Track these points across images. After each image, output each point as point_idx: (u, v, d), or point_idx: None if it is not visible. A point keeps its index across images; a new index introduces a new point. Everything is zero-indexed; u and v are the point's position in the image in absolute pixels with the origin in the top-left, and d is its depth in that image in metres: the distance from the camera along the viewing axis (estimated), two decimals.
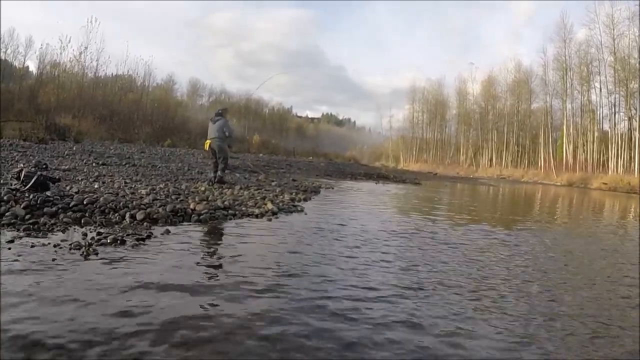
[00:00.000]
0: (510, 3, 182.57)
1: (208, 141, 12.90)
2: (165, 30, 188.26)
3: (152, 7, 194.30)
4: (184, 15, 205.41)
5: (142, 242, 5.44)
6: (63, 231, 5.65)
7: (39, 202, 6.61)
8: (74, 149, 20.79)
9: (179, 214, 7.35)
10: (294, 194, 12.29)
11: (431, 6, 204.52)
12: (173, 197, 9.02)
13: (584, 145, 54.56)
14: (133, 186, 10.18)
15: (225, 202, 8.84)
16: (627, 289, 5.16)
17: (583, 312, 4.19)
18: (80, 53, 49.08)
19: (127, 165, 16.22)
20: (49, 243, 4.93)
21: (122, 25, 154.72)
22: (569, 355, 3.21)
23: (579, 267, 6.36)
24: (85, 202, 6.98)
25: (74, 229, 5.88)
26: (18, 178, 7.89)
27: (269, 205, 9.21)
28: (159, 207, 7.45)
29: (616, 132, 49.99)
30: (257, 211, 8.60)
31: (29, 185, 7.43)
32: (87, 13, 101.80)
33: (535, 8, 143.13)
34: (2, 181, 8.31)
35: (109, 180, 10.98)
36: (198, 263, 4.80)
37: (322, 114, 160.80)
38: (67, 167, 13.15)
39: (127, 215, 6.74)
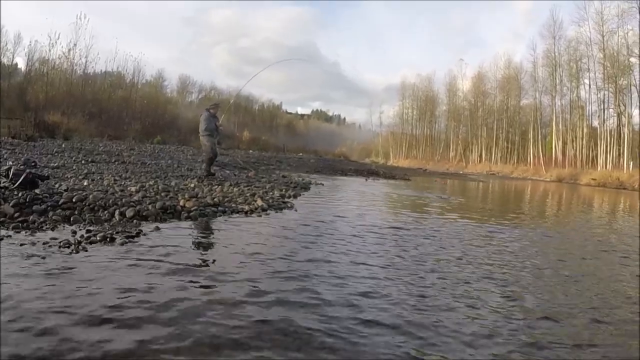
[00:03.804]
0: (511, 3, 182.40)
1: None
2: (163, 28, 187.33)
3: (150, 4, 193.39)
4: (181, 12, 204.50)
5: (131, 239, 5.44)
6: (52, 229, 5.64)
7: (28, 200, 6.59)
8: (63, 146, 20.71)
9: (168, 211, 7.34)
10: (283, 190, 12.30)
11: (431, 4, 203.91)
12: (162, 194, 9.01)
13: (573, 141, 55.06)
14: (122, 183, 10.17)
15: (215, 199, 8.86)
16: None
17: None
18: (70, 50, 48.83)
19: (116, 163, 16.18)
20: (39, 241, 4.92)
21: (119, 22, 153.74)
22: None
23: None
24: (74, 200, 6.96)
25: (63, 226, 5.87)
26: (7, 176, 7.86)
27: (259, 202, 9.22)
28: (149, 204, 7.45)
29: (605, 128, 50.49)
30: (246, 208, 8.61)
31: (17, 183, 7.41)
32: (80, 9, 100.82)
33: (531, 8, 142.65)
34: None
35: (98, 177, 10.96)
36: (187, 260, 4.80)
37: (312, 110, 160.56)
38: (56, 164, 13.11)
39: (117, 212, 6.73)
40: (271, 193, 11.30)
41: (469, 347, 3.16)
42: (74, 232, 5.51)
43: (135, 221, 6.51)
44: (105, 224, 6.23)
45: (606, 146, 49.28)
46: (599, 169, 48.00)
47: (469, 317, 3.73)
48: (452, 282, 4.75)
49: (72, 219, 6.20)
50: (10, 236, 5.09)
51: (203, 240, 6.12)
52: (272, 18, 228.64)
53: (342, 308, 3.73)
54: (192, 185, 11.13)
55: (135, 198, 7.94)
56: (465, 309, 3.93)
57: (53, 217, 6.12)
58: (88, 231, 5.60)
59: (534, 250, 7.07)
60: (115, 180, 10.69)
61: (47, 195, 7.15)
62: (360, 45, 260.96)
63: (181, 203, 7.87)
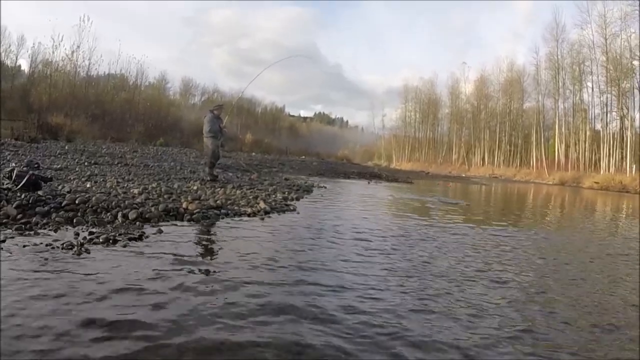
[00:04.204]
0: (511, 3, 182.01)
1: None
2: (163, 28, 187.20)
3: (150, 4, 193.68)
4: (181, 12, 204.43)
5: (134, 241, 5.45)
6: (55, 231, 5.65)
7: (31, 201, 6.60)
8: (66, 148, 20.73)
9: (171, 214, 7.35)
10: (286, 193, 12.32)
11: (431, 4, 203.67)
12: (165, 196, 9.01)
13: (575, 145, 54.89)
14: (125, 185, 10.17)
15: (218, 202, 8.86)
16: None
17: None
18: (73, 52, 48.94)
19: (119, 165, 16.19)
20: (41, 243, 4.93)
21: (119, 22, 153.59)
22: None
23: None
24: (77, 202, 6.97)
25: (66, 228, 5.87)
26: (10, 177, 7.87)
27: (262, 205, 9.21)
28: (152, 206, 7.46)
29: (608, 131, 50.36)
30: (249, 210, 8.61)
31: (20, 184, 7.42)
32: (81, 11, 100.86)
33: (531, 8, 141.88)
34: None
35: (101, 179, 10.97)
36: (190, 262, 4.80)
37: (315, 113, 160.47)
38: (59, 166, 13.13)
39: (120, 214, 6.73)
40: (274, 196, 11.31)
41: (466, 348, 3.16)
42: (77, 234, 5.52)
43: (138, 223, 6.51)
44: (108, 225, 6.23)
45: (609, 149, 49.15)
46: (601, 172, 47.87)
47: (468, 319, 3.73)
48: (453, 283, 4.77)
49: (74, 221, 6.21)
50: (13, 237, 5.09)
51: (205, 242, 6.12)
52: (272, 18, 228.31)
53: (342, 305, 3.74)
54: (195, 187, 11.12)
55: (138, 200, 7.94)
56: (466, 310, 3.93)
57: (56, 219, 6.13)
58: (91, 233, 5.61)
59: (537, 253, 7.05)
60: (118, 182, 10.69)
61: (50, 197, 7.16)
62: (360, 46, 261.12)
63: (184, 205, 7.87)
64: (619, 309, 4.40)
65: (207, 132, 13.20)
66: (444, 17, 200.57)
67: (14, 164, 11.08)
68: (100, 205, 7.02)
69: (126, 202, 7.51)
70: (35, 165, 11.10)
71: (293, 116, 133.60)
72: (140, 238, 5.65)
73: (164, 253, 5.01)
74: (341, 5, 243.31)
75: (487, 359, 3.05)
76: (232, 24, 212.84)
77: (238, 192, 11.08)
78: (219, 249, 5.67)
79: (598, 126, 53.45)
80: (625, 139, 47.14)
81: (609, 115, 51.42)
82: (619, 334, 3.69)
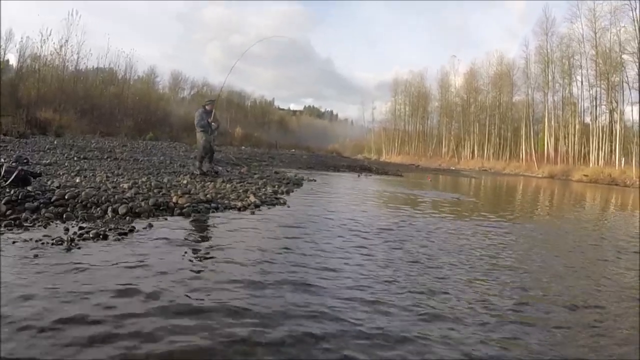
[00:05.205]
0: (510, 3, 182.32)
1: None
2: (156, 24, 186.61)
3: (146, 3, 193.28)
4: (174, 8, 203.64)
5: (124, 236, 5.44)
6: (45, 226, 5.62)
7: (20, 197, 6.57)
8: (55, 143, 20.62)
9: (161, 208, 7.35)
10: (276, 186, 12.33)
11: (430, 4, 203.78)
12: (155, 190, 9.00)
13: (565, 138, 55.29)
14: (115, 180, 10.13)
15: (208, 195, 8.85)
16: None
17: None
18: (61, 46, 48.51)
19: (108, 159, 16.11)
20: (31, 238, 4.91)
21: (116, 20, 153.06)
22: None
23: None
24: (66, 197, 6.95)
25: (56, 224, 5.85)
26: None
27: (252, 198, 9.22)
28: (141, 201, 7.44)
29: (597, 124, 50.75)
30: (239, 204, 8.62)
31: (9, 180, 7.38)
32: (77, 7, 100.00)
33: (529, 8, 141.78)
34: None
35: (91, 174, 10.91)
36: (180, 256, 4.82)
37: (305, 107, 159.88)
38: (48, 161, 13.04)
39: (109, 209, 6.72)
40: (264, 189, 11.32)
41: (457, 342, 3.19)
42: (67, 230, 5.50)
43: (128, 218, 6.50)
44: (98, 221, 6.22)
45: (598, 143, 49.57)
46: (591, 165, 48.29)
47: (455, 311, 3.77)
48: (440, 275, 4.82)
49: (64, 216, 6.19)
50: (2, 233, 5.07)
51: (196, 235, 6.13)
52: (266, 14, 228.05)
53: (327, 288, 3.77)
54: (185, 181, 11.10)
55: (128, 195, 7.92)
56: (453, 302, 3.98)
57: (45, 215, 6.11)
58: (81, 228, 5.59)
59: (526, 245, 7.12)
60: (107, 177, 10.64)
61: (40, 192, 7.14)
62: (355, 44, 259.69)
63: (174, 199, 7.88)
64: (613, 298, 4.46)
65: (196, 126, 13.29)
66: (442, 17, 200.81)
67: (2, 160, 11.02)
68: (90, 200, 7.00)
69: (116, 196, 7.49)
70: (24, 161, 11.05)
71: (283, 110, 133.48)
72: (130, 233, 5.65)
73: (154, 247, 5.03)
74: (338, 5, 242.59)
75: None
76: (225, 20, 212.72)
77: (228, 186, 11.08)
78: (210, 242, 5.69)
79: (587, 119, 53.98)
80: (614, 132, 47.53)
81: (598, 108, 51.93)
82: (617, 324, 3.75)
